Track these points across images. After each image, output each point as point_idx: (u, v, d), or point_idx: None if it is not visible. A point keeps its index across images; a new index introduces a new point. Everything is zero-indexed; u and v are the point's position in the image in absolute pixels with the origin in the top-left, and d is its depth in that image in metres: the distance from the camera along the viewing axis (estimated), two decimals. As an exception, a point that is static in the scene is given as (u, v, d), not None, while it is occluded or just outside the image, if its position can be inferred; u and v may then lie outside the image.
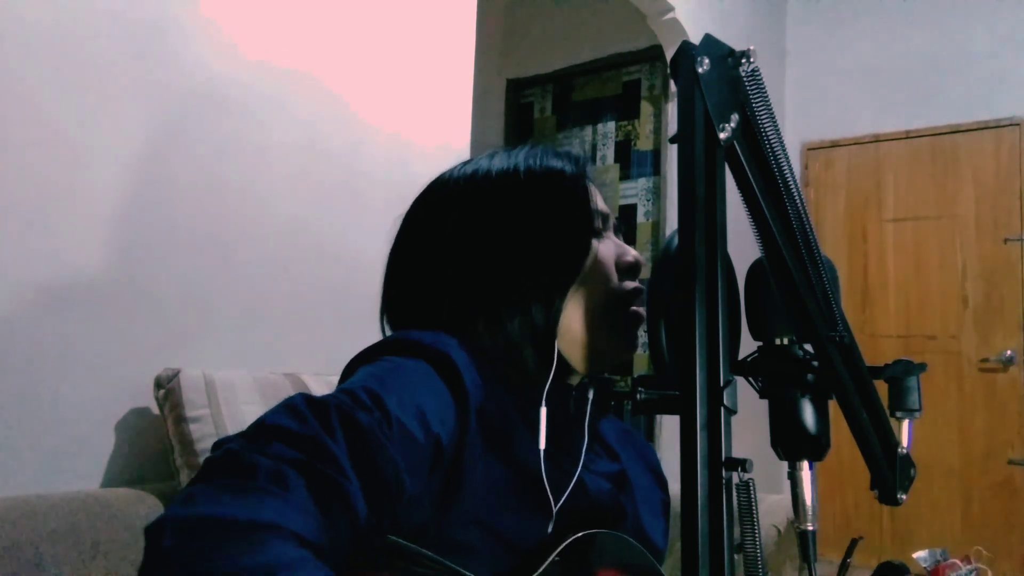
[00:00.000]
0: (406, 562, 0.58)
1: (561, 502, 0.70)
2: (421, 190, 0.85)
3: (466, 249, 0.77)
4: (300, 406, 0.56)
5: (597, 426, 0.83)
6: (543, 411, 0.71)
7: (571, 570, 0.65)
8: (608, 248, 0.81)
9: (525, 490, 0.69)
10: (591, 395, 0.80)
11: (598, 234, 0.80)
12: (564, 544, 0.65)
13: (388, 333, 0.82)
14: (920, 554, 0.70)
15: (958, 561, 0.70)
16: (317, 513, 0.50)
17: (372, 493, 0.54)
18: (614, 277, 0.80)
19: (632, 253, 0.82)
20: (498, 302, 0.75)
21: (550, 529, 0.69)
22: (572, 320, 0.77)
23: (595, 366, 0.80)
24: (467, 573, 0.59)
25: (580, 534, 0.66)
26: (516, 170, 0.80)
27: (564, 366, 0.77)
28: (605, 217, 0.82)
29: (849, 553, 0.65)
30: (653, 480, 0.88)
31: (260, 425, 0.55)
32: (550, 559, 0.64)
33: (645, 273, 0.77)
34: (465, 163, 0.85)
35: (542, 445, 0.69)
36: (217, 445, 0.54)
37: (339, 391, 0.62)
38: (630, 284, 0.81)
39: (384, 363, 0.68)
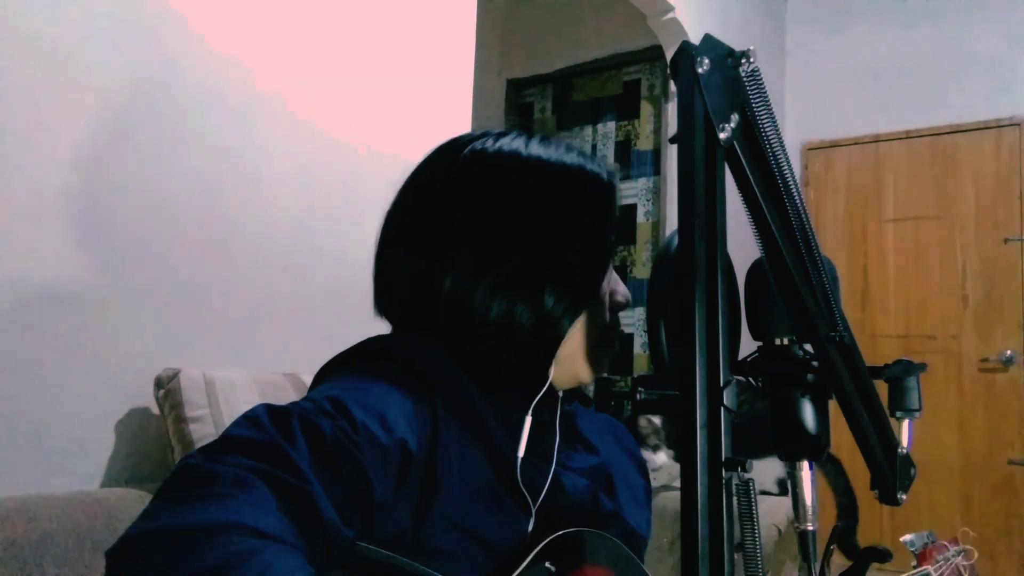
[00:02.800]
0: (382, 570, 0.57)
1: (538, 503, 0.69)
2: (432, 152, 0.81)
3: (494, 222, 0.73)
4: (261, 417, 0.55)
5: (572, 423, 0.82)
6: (528, 420, 0.71)
7: (550, 570, 0.65)
8: (606, 284, 0.79)
9: (502, 492, 0.68)
10: (560, 397, 0.80)
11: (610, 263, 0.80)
12: (540, 546, 0.65)
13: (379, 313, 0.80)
14: (908, 537, 0.71)
15: (946, 543, 0.71)
16: (281, 517, 0.49)
17: (338, 498, 0.53)
18: (607, 315, 0.79)
19: (621, 291, 0.81)
20: (513, 299, 0.71)
21: (530, 530, 0.69)
22: (565, 345, 0.75)
23: (568, 384, 0.80)
24: None
25: (557, 534, 0.66)
26: (563, 164, 0.77)
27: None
28: (613, 247, 0.81)
29: (831, 540, 0.65)
30: (635, 469, 0.88)
31: (220, 438, 0.54)
32: (527, 560, 0.64)
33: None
34: (498, 135, 0.80)
35: (521, 452, 0.69)
36: (180, 462, 0.53)
37: (303, 399, 0.61)
38: (616, 322, 0.81)
39: (355, 371, 0.67)
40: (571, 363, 0.77)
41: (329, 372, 0.71)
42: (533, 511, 0.69)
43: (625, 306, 0.81)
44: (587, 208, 0.77)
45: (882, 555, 0.62)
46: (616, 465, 0.84)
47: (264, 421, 0.55)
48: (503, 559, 0.65)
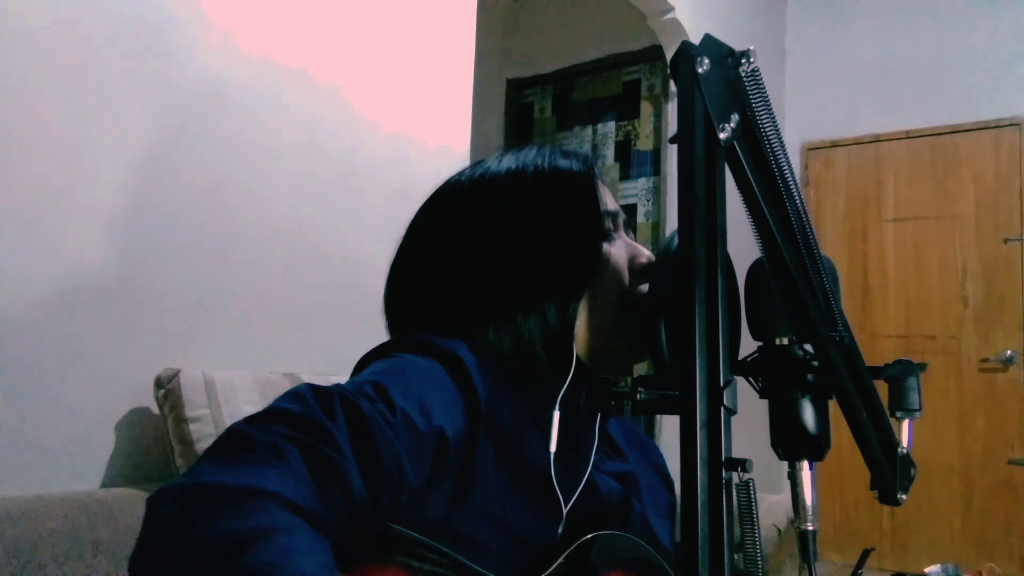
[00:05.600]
0: (414, 553, 0.58)
1: (571, 502, 0.70)
2: (428, 194, 0.85)
3: (476, 252, 0.77)
4: (305, 393, 0.58)
5: (606, 425, 0.82)
6: (556, 415, 0.71)
7: (582, 571, 0.65)
8: (620, 250, 0.80)
9: (536, 489, 0.69)
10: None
11: (608, 236, 0.80)
12: (574, 546, 0.65)
13: (392, 336, 0.82)
14: (932, 569, 0.70)
15: None
16: (313, 486, 0.51)
17: (370, 476, 0.55)
18: (627, 280, 0.79)
19: (645, 254, 0.81)
20: (512, 304, 0.74)
21: (560, 529, 0.69)
22: (587, 323, 0.76)
23: (608, 370, 0.79)
24: (473, 565, 0.59)
25: (591, 535, 0.66)
26: (524, 171, 0.79)
27: (580, 368, 0.76)
28: (615, 216, 0.81)
29: (861, 564, 0.65)
30: (660, 481, 0.88)
31: (266, 409, 0.56)
32: (560, 559, 0.64)
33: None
34: (474, 165, 0.84)
35: (553, 448, 0.69)
36: (228, 428, 0.55)
37: (346, 383, 0.62)
38: (644, 287, 0.80)
39: (395, 359, 0.68)
40: (604, 344, 0.77)
41: (370, 360, 0.72)
42: (564, 511, 0.69)
43: (650, 267, 0.80)
44: (563, 205, 0.78)
45: None
46: (642, 476, 0.84)
47: (308, 397, 0.57)
48: (534, 555, 0.66)
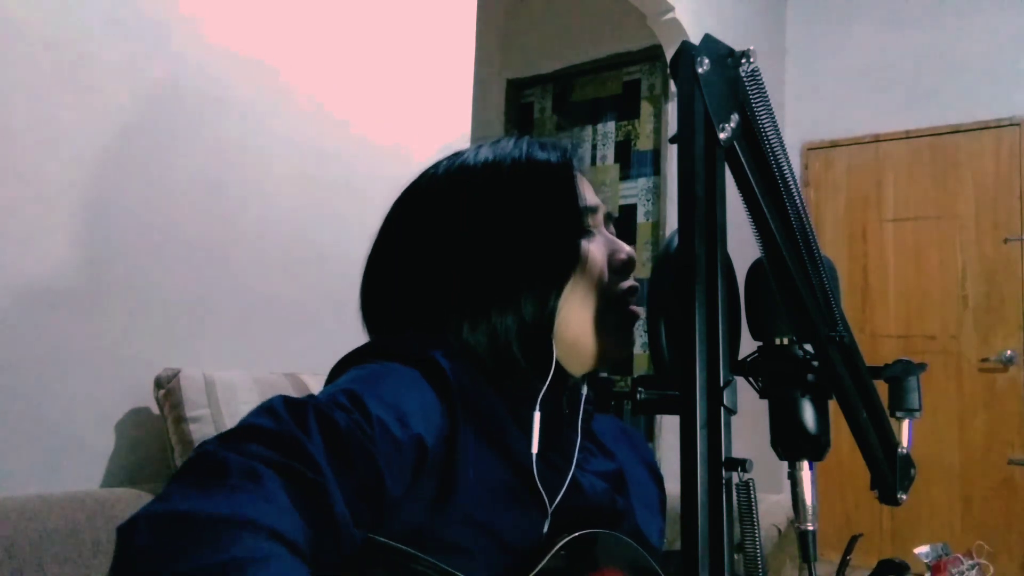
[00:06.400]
0: (397, 563, 0.57)
1: (556, 502, 0.69)
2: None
3: (451, 246, 0.75)
4: (277, 407, 0.56)
5: (591, 425, 0.81)
6: (536, 415, 0.70)
7: (567, 570, 0.65)
8: (599, 246, 0.78)
9: (520, 490, 0.68)
10: (584, 394, 0.79)
11: (587, 232, 0.78)
12: (559, 544, 0.64)
13: (370, 336, 0.81)
14: (922, 549, 0.70)
15: (960, 556, 0.70)
16: (292, 509, 0.49)
17: (350, 492, 0.54)
18: (606, 277, 0.77)
19: (625, 250, 0.79)
20: (487, 301, 0.72)
21: (545, 529, 0.68)
22: (565, 322, 0.74)
23: (590, 368, 0.78)
24: (457, 573, 0.59)
25: (576, 534, 0.66)
26: (500, 163, 0.78)
27: (558, 367, 0.75)
28: (595, 211, 0.79)
29: (849, 550, 0.65)
30: (649, 477, 0.87)
31: (238, 426, 0.54)
32: (545, 560, 0.64)
33: (643, 272, 0.77)
34: (451, 157, 0.82)
35: (534, 449, 0.69)
36: (198, 448, 0.53)
37: (319, 393, 0.61)
38: (624, 283, 0.78)
39: (371, 366, 0.67)
40: (583, 342, 0.76)
41: (344, 368, 0.70)
42: (550, 511, 0.68)
43: (630, 263, 0.78)
44: (539, 197, 0.76)
45: (899, 568, 0.61)
46: (631, 472, 0.83)
47: (281, 411, 0.55)
48: (519, 557, 0.65)
